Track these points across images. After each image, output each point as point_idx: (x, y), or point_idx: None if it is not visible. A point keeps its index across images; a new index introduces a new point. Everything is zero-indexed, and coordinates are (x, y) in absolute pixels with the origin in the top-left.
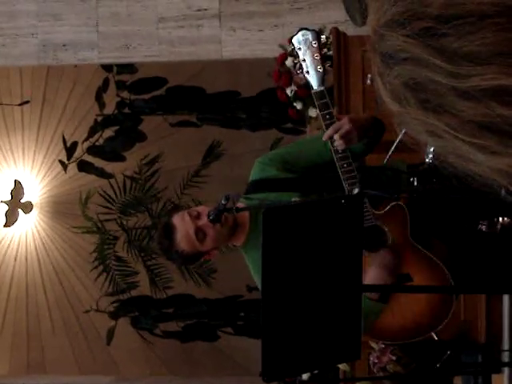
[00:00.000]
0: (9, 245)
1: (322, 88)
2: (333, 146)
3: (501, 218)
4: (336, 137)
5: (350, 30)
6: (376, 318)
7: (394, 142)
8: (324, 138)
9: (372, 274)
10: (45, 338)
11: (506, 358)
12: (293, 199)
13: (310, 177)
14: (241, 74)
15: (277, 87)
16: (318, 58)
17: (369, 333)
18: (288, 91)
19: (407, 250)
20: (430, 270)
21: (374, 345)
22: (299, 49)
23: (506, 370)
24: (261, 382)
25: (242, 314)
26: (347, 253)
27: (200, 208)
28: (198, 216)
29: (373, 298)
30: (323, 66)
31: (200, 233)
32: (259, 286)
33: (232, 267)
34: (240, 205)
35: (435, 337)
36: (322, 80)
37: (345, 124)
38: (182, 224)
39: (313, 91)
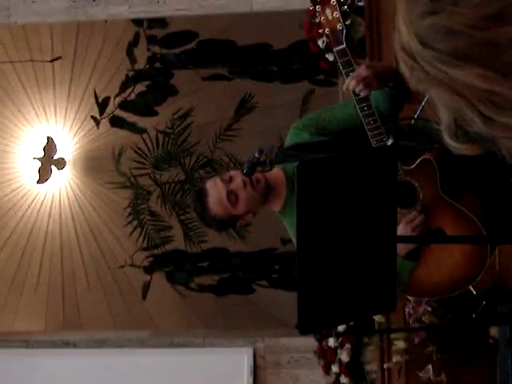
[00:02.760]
0: (42, 202)
1: (344, 46)
2: (355, 97)
3: None
4: (354, 83)
5: None
6: (408, 275)
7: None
8: (344, 88)
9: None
10: (80, 294)
11: None
12: None
13: (342, 140)
14: (272, 27)
15: (308, 38)
16: (337, 15)
17: (405, 290)
18: (320, 43)
19: (438, 205)
20: (462, 223)
21: (409, 296)
22: (318, 8)
23: None
24: (296, 334)
25: (277, 266)
26: (382, 205)
27: (233, 172)
28: (231, 180)
29: (399, 254)
30: (343, 23)
31: (232, 195)
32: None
33: (266, 220)
34: (277, 172)
35: (473, 291)
36: (343, 37)
37: (362, 70)
38: (214, 188)
39: (334, 50)
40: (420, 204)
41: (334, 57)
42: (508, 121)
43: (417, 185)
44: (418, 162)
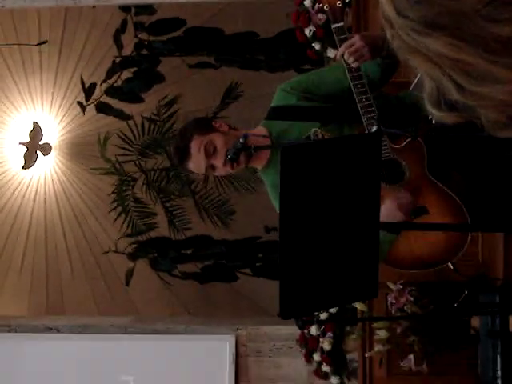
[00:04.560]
0: (27, 187)
1: (342, 24)
2: (347, 66)
3: None
4: (347, 54)
5: None
6: (389, 246)
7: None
8: (338, 56)
9: (384, 209)
10: (64, 280)
11: None
12: (313, 129)
13: (330, 106)
14: (259, 15)
15: (295, 28)
16: None
17: (384, 261)
18: (306, 31)
19: (424, 184)
20: (446, 203)
21: (391, 286)
22: None
23: None
24: (279, 323)
25: (261, 255)
26: (365, 191)
27: (219, 142)
28: (215, 152)
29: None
30: (343, 0)
31: (210, 167)
32: (278, 211)
33: (250, 209)
34: (261, 130)
35: (451, 266)
36: (341, 15)
37: (356, 40)
38: (197, 156)
39: (332, 27)
40: (406, 182)
41: (332, 33)
42: (479, 90)
43: (404, 163)
44: (406, 141)
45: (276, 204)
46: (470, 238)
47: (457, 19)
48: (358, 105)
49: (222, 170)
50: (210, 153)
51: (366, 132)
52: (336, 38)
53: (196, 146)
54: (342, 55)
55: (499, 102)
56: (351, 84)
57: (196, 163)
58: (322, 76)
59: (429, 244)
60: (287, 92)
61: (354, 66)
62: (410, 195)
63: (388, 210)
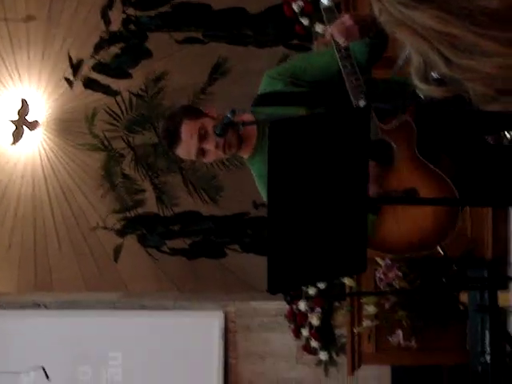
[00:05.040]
0: (15, 163)
1: (331, 4)
2: (336, 46)
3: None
4: (337, 31)
5: None
6: (372, 228)
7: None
8: (326, 36)
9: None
10: (52, 256)
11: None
12: (300, 114)
13: (318, 91)
14: None
15: (283, 2)
16: None
17: (372, 246)
18: (295, 6)
19: (414, 165)
20: (436, 184)
21: (380, 261)
22: None
23: None
24: (267, 298)
25: (249, 231)
26: (353, 165)
27: (210, 128)
28: (205, 135)
29: None
30: None
31: (201, 152)
32: (265, 200)
33: (238, 185)
34: (247, 117)
35: (441, 251)
36: None
37: (346, 19)
38: (188, 141)
39: (322, 7)
40: (395, 162)
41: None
42: (466, 62)
43: (393, 144)
44: (396, 122)
45: (263, 193)
46: (459, 223)
47: None
48: (348, 86)
49: (213, 153)
50: (201, 135)
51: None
52: (325, 17)
53: (187, 132)
54: (332, 35)
55: (486, 75)
56: (340, 65)
57: (186, 149)
58: (309, 61)
59: (417, 228)
60: (274, 78)
61: (343, 44)
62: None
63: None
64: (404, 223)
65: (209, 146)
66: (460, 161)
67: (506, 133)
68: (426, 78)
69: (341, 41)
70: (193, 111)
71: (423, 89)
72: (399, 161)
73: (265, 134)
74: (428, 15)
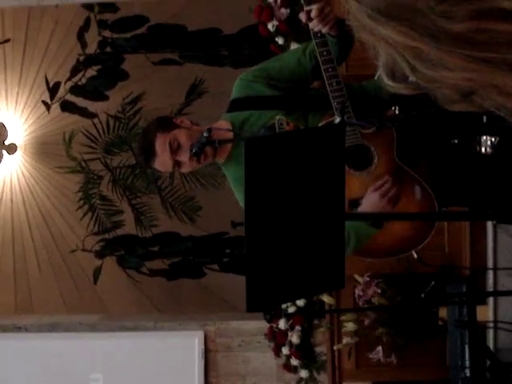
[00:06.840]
0: None
1: None
2: (316, 40)
3: (484, 137)
4: (317, 20)
5: None
6: (368, 241)
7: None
8: (302, 17)
9: (366, 201)
10: (32, 279)
11: (490, 288)
12: (277, 117)
13: (295, 94)
14: (222, 11)
15: (258, 22)
16: None
17: (359, 253)
18: (270, 26)
19: (392, 170)
20: (414, 188)
21: (359, 278)
22: None
23: (491, 300)
24: (247, 318)
25: (228, 250)
26: (330, 181)
27: (182, 138)
28: (179, 148)
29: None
30: None
31: (176, 164)
32: (241, 204)
33: (216, 204)
34: (224, 123)
35: (415, 255)
36: None
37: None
38: (162, 153)
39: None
40: (373, 168)
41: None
42: (432, 73)
43: (373, 149)
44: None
45: (239, 196)
46: (435, 226)
47: (409, 11)
48: (328, 89)
49: (188, 165)
50: (174, 149)
51: (335, 116)
52: (304, 3)
53: (161, 145)
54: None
55: (451, 86)
56: (322, 68)
57: (162, 162)
58: (283, 61)
59: (392, 232)
60: (249, 81)
61: (323, 31)
62: (396, 185)
63: (370, 202)
64: (388, 231)
65: (182, 158)
66: (435, 165)
67: (485, 138)
68: (393, 76)
69: (317, 26)
70: (165, 123)
71: (391, 85)
72: (378, 164)
73: (240, 143)
74: (394, 31)
